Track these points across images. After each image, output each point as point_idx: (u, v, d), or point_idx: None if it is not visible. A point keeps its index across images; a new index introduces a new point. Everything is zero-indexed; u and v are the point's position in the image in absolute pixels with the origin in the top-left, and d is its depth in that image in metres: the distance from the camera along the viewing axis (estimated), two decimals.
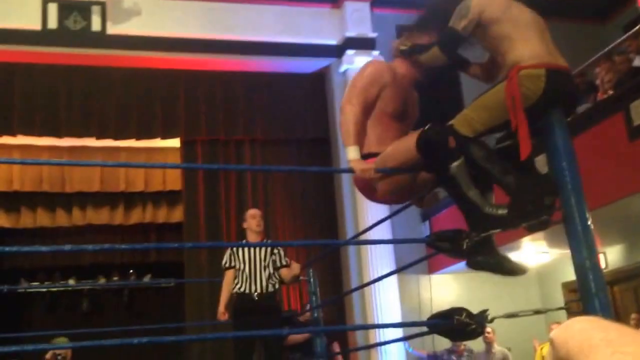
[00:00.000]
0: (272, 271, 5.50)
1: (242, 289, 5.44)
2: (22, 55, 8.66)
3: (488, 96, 2.89)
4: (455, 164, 2.83)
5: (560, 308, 3.23)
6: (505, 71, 2.85)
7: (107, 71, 9.02)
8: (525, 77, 2.75)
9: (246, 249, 5.59)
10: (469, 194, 2.83)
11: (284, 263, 5.52)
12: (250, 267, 5.47)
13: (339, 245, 8.79)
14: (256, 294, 5.40)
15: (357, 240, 6.92)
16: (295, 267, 5.54)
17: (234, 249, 5.65)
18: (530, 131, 2.72)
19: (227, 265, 5.57)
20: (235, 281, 5.49)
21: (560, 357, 0.73)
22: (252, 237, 5.67)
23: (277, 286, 5.54)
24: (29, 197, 9.96)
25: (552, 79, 2.76)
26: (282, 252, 5.59)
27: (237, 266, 5.50)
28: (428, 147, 2.87)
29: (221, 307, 5.46)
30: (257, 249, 5.55)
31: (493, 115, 2.84)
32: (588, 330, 0.72)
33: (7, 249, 2.85)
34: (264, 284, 5.43)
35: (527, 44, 2.87)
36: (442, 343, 7.87)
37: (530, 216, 2.79)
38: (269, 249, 5.56)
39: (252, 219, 5.67)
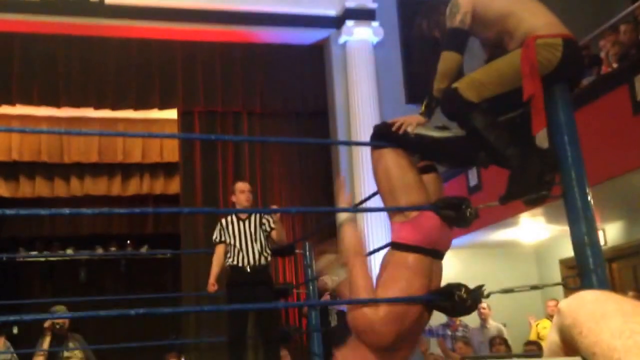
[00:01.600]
0: (263, 243, 5.53)
1: (234, 262, 5.48)
2: (21, 25, 8.60)
3: (500, 62, 2.80)
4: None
5: (557, 284, 3.19)
6: (519, 41, 2.76)
7: (105, 41, 8.96)
8: (542, 45, 2.68)
9: (236, 224, 5.59)
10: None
11: (272, 226, 5.57)
12: (241, 241, 5.51)
13: (335, 212, 8.73)
14: (249, 267, 5.45)
15: (356, 208, 6.88)
16: (280, 226, 5.62)
17: (224, 223, 5.65)
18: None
19: (218, 240, 5.62)
20: (228, 255, 5.53)
21: (566, 325, 0.71)
22: (240, 213, 5.68)
23: (269, 259, 5.59)
24: (27, 167, 9.97)
25: (568, 50, 2.70)
26: (270, 218, 5.62)
27: (228, 241, 5.54)
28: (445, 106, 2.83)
29: (211, 279, 5.52)
30: (247, 223, 5.57)
31: (504, 82, 2.75)
32: (601, 301, 0.70)
33: (7, 211, 2.80)
34: (257, 256, 5.47)
35: (537, 15, 2.81)
36: (438, 318, 7.88)
37: (530, 190, 2.75)
38: (258, 221, 5.58)
39: (241, 194, 5.66)
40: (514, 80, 2.71)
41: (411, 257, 2.78)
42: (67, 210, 3.01)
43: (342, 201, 3.09)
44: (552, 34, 2.71)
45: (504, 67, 2.77)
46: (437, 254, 2.87)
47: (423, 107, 2.95)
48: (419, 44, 9.32)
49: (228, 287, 5.54)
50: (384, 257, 2.92)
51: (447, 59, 2.89)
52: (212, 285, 5.49)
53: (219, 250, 5.60)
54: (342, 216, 2.92)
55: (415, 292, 2.75)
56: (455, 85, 2.81)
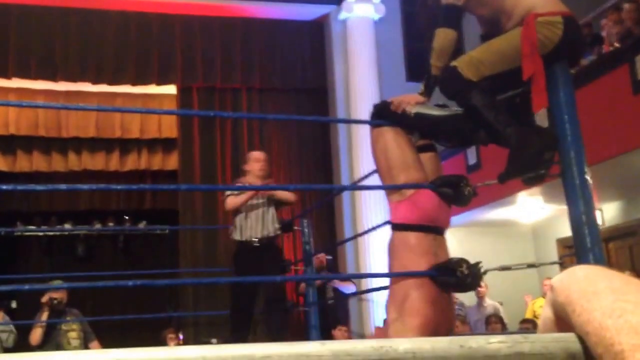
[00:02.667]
0: (273, 215, 5.42)
1: (242, 237, 5.38)
2: None
3: (500, 40, 2.77)
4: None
5: (554, 262, 3.20)
6: (518, 19, 2.73)
7: (104, 14, 8.91)
8: (542, 23, 2.65)
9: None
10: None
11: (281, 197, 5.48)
12: (249, 211, 5.39)
13: (333, 190, 8.75)
14: (257, 239, 5.34)
15: (354, 185, 6.89)
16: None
17: (235, 191, 5.49)
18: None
19: (228, 193, 5.48)
20: (235, 227, 5.42)
21: (560, 302, 0.71)
22: (252, 181, 5.53)
23: (278, 232, 5.49)
24: (25, 140, 9.94)
25: (569, 28, 2.67)
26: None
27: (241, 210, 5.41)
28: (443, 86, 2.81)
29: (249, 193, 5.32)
30: (258, 194, 5.43)
31: (504, 61, 2.72)
32: (592, 277, 0.70)
33: (4, 187, 2.81)
34: (263, 229, 5.36)
35: None
36: None
37: (528, 169, 2.74)
38: (267, 193, 5.46)
39: (256, 162, 5.53)
40: (514, 59, 2.68)
41: (412, 237, 2.78)
42: (64, 186, 3.01)
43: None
44: (552, 12, 2.68)
45: (504, 45, 2.75)
46: (438, 230, 2.87)
47: (422, 86, 2.93)
48: (424, 19, 9.27)
49: (235, 261, 5.46)
50: (389, 242, 2.91)
51: (441, 36, 2.87)
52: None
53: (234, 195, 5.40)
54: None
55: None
56: (454, 63, 2.79)
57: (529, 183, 2.84)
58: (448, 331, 2.83)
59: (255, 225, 5.37)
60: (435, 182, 2.87)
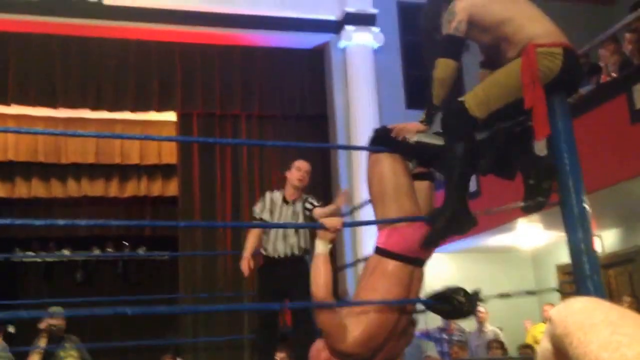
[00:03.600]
0: (304, 230, 5.14)
1: (268, 251, 5.12)
2: (18, 25, 8.58)
3: (502, 73, 2.80)
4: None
5: (553, 289, 3.22)
6: (518, 49, 2.76)
7: (103, 42, 8.95)
8: (543, 54, 2.68)
9: (278, 204, 5.21)
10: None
11: (315, 204, 5.15)
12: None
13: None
14: (283, 255, 5.09)
15: (353, 222, 6.91)
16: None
17: (267, 198, 5.27)
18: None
19: (258, 217, 5.22)
20: (264, 239, 5.15)
21: (558, 334, 0.72)
22: (289, 191, 5.23)
23: (307, 246, 5.13)
24: (24, 167, 9.94)
25: (568, 59, 2.71)
26: (313, 201, 5.21)
27: (266, 218, 5.18)
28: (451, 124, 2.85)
29: (246, 253, 5.06)
30: (290, 208, 5.17)
31: (509, 93, 2.75)
32: (589, 310, 0.71)
33: (1, 221, 2.82)
34: (294, 245, 5.10)
35: (536, 22, 2.81)
36: (435, 321, 7.90)
37: (527, 198, 2.78)
38: (302, 206, 5.16)
39: (297, 171, 5.19)
40: (518, 90, 2.71)
41: (391, 265, 2.83)
42: (62, 222, 3.02)
43: (332, 212, 3.05)
44: (553, 43, 2.72)
45: (505, 78, 2.77)
46: (418, 262, 2.91)
47: (424, 115, 2.96)
48: (425, 47, 9.36)
49: (260, 276, 5.22)
50: (368, 260, 2.97)
51: (442, 66, 2.88)
52: (246, 260, 5.00)
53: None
54: (319, 247, 2.94)
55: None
56: (462, 99, 2.82)
57: (528, 211, 2.87)
58: (390, 351, 2.90)
59: (283, 241, 5.09)
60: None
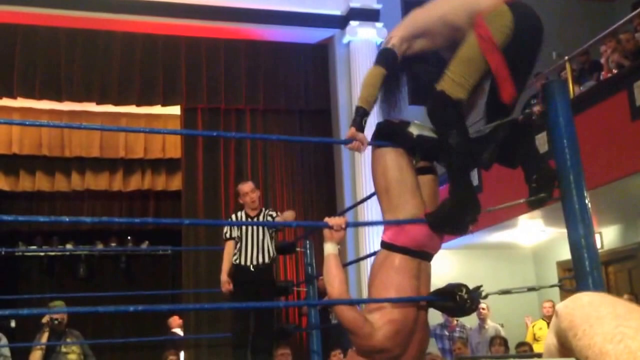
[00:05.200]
0: (269, 242, 5.72)
1: (238, 261, 5.67)
2: (24, 17, 8.59)
3: (463, 50, 2.86)
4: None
5: (554, 285, 3.23)
6: (467, 27, 2.84)
7: (109, 35, 8.96)
8: (491, 17, 2.75)
9: (244, 219, 5.88)
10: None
11: (274, 215, 5.87)
12: (246, 239, 5.69)
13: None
14: (252, 265, 5.63)
15: (356, 222, 6.93)
16: (288, 214, 5.88)
17: (233, 220, 6.04)
18: (512, 75, 2.72)
19: (228, 235, 5.82)
20: (235, 251, 5.71)
21: (563, 328, 0.73)
22: (249, 210, 5.87)
23: (273, 257, 5.77)
24: (28, 160, 9.95)
25: (517, 11, 2.77)
26: (274, 213, 5.90)
27: (236, 236, 5.73)
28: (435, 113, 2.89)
29: (224, 276, 5.69)
30: (255, 220, 5.81)
31: (477, 66, 2.81)
32: (596, 304, 0.72)
33: (4, 217, 2.84)
34: (261, 255, 5.66)
35: (470, 1, 2.88)
36: (435, 318, 7.92)
37: (448, 226, 2.86)
38: (266, 219, 5.81)
39: (245, 196, 5.84)
40: (483, 60, 2.78)
41: (398, 258, 2.85)
42: (66, 218, 3.02)
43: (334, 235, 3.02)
44: (495, 5, 2.77)
45: (468, 53, 2.83)
46: (425, 256, 2.93)
47: (352, 124, 3.01)
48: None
49: (233, 284, 5.70)
50: (376, 256, 2.98)
51: (371, 73, 3.03)
52: (226, 283, 5.66)
53: (229, 246, 5.78)
54: (328, 248, 2.96)
55: (407, 295, 2.81)
56: (440, 88, 2.86)
57: (532, 206, 2.89)
58: (419, 352, 2.90)
59: (252, 252, 5.66)
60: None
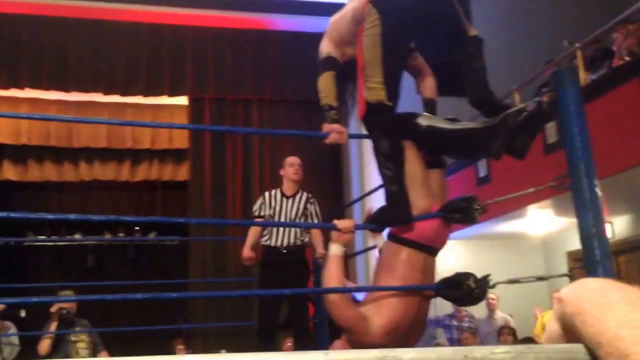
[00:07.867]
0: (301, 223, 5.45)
1: (269, 242, 5.37)
2: (31, 7, 8.59)
3: (360, 52, 3.05)
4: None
5: (564, 275, 3.19)
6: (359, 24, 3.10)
7: (115, 25, 8.96)
8: (366, 14, 2.99)
9: (279, 199, 5.50)
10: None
11: (315, 219, 5.52)
12: (279, 218, 5.43)
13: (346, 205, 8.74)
14: (284, 247, 5.35)
15: (363, 225, 6.89)
16: (316, 235, 5.46)
17: (267, 197, 5.56)
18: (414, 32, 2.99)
19: (257, 214, 5.51)
20: (265, 232, 5.43)
21: (569, 313, 0.71)
22: (288, 186, 5.57)
23: (306, 240, 5.47)
24: (36, 150, 9.99)
25: (378, 6, 2.96)
26: (316, 209, 5.55)
27: (268, 215, 5.45)
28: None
29: (246, 250, 5.36)
30: (292, 202, 5.48)
31: (373, 61, 2.97)
32: (605, 289, 0.70)
33: (12, 214, 2.84)
34: (292, 237, 5.37)
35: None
36: (444, 308, 7.89)
37: (385, 224, 3.03)
38: (303, 203, 5.50)
39: (290, 167, 5.56)
40: (376, 54, 2.94)
41: (404, 252, 2.84)
42: (73, 216, 3.02)
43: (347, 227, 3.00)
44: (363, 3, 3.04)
45: (365, 56, 2.99)
46: (431, 251, 2.91)
47: (325, 120, 3.25)
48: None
49: (261, 267, 5.46)
50: (382, 247, 2.98)
51: (321, 79, 3.35)
52: (247, 251, 5.33)
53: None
54: (333, 249, 2.93)
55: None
56: (369, 100, 2.96)
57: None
58: (415, 339, 2.94)
59: (283, 232, 5.38)
60: (445, 208, 2.89)
